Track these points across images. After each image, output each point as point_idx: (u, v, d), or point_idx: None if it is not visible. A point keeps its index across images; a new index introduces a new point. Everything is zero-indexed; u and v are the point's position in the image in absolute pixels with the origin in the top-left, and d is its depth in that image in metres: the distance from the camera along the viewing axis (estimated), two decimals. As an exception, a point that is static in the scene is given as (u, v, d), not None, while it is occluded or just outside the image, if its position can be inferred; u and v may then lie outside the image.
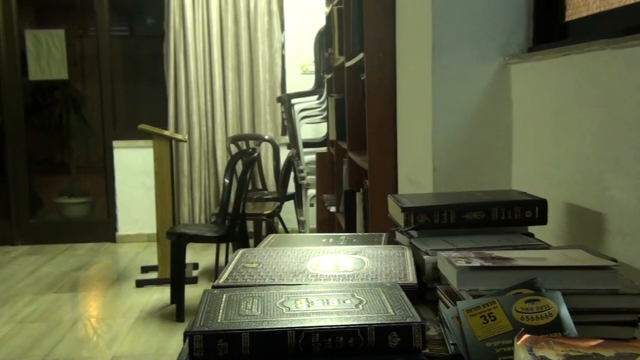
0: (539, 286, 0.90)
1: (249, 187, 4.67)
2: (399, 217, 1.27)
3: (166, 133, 4.65)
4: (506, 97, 1.70)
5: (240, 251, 1.24)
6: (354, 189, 3.20)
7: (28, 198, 6.17)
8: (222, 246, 4.79)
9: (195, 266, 4.99)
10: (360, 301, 0.90)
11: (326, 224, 4.21)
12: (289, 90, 5.76)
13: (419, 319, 0.83)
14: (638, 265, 1.12)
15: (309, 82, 5.46)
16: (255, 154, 4.19)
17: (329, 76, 4.31)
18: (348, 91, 3.23)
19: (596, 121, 1.26)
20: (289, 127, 4.82)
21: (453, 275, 0.97)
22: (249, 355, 0.81)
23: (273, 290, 0.97)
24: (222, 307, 0.89)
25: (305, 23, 5.82)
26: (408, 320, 0.83)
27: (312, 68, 5.46)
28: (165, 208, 4.47)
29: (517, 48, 1.72)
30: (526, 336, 0.75)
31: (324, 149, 4.67)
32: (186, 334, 0.83)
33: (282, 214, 5.17)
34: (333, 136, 3.81)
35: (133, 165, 5.97)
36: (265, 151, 5.80)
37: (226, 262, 4.43)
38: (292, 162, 4.90)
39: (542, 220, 1.24)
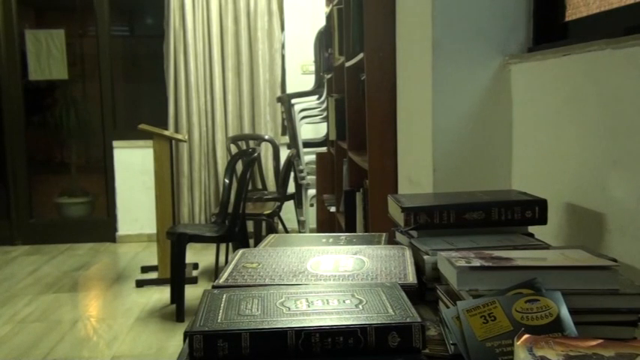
0: (539, 286, 0.90)
1: (249, 187, 4.66)
2: (399, 217, 1.27)
3: (166, 133, 4.65)
4: (506, 97, 1.70)
5: (240, 251, 1.24)
6: (354, 189, 3.20)
7: (28, 198, 6.17)
8: (222, 246, 4.79)
9: (195, 266, 4.99)
10: (360, 301, 0.90)
11: (326, 224, 4.21)
12: (289, 90, 5.76)
13: (419, 319, 0.83)
14: (638, 265, 1.12)
15: (309, 82, 5.46)
16: (255, 154, 4.19)
17: (329, 76, 4.31)
18: (348, 91, 3.23)
19: (596, 121, 1.26)
20: (289, 127, 4.82)
21: (453, 275, 0.97)
22: (249, 355, 0.81)
23: (273, 290, 0.97)
24: (222, 307, 0.89)
25: (305, 23, 5.82)
26: (408, 320, 0.83)
27: (312, 68, 5.46)
28: (165, 208, 4.47)
29: (517, 48, 1.72)
30: (526, 336, 0.75)
31: (324, 149, 4.67)
32: (186, 334, 0.83)
33: (282, 214, 5.17)
34: (333, 136, 3.81)
35: (133, 165, 5.97)
36: (265, 151, 5.80)
37: (226, 262, 4.43)
38: (292, 162, 4.90)
39: (542, 220, 1.24)
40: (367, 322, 0.82)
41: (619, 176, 1.18)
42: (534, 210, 1.23)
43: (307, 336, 0.81)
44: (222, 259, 4.81)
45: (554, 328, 0.83)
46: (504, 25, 1.72)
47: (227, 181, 4.32)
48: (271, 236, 1.44)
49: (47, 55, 6.10)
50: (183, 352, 0.86)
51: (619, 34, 1.21)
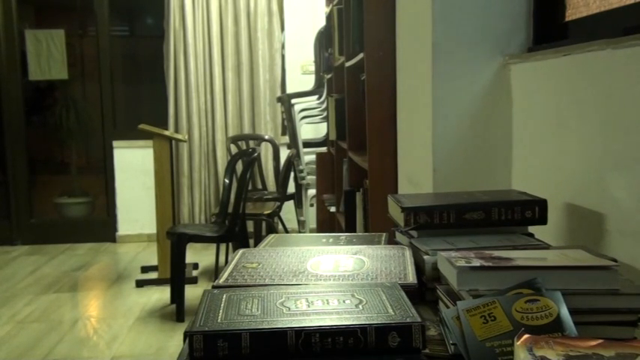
0: (539, 286, 0.90)
1: (249, 187, 4.66)
2: (399, 217, 1.27)
3: (166, 133, 4.65)
4: (506, 97, 1.70)
5: (240, 251, 1.24)
6: (354, 189, 3.19)
7: (28, 198, 6.17)
8: (222, 246, 4.79)
9: (195, 266, 4.99)
10: (360, 301, 0.90)
11: (326, 224, 4.21)
12: (289, 90, 5.76)
13: (419, 319, 0.83)
14: (638, 265, 1.12)
15: (309, 82, 5.46)
16: (255, 154, 4.19)
17: (329, 76, 4.31)
18: (348, 91, 3.23)
19: (596, 121, 1.26)
20: (289, 127, 4.82)
21: (453, 275, 0.97)
22: (249, 355, 0.81)
23: (273, 290, 0.97)
24: (222, 307, 0.89)
25: (305, 23, 5.82)
26: (408, 320, 0.83)
27: (312, 68, 5.45)
28: (165, 208, 4.47)
29: (517, 48, 1.72)
30: (526, 336, 0.75)
31: (324, 149, 4.66)
32: (186, 334, 0.83)
33: (282, 214, 5.17)
34: (333, 136, 3.81)
35: (133, 165, 5.97)
36: (265, 151, 5.80)
37: (226, 262, 4.43)
38: (292, 162, 4.90)
39: (542, 220, 1.24)
40: (367, 322, 0.82)
41: (619, 176, 1.18)
42: (534, 210, 1.23)
43: (307, 336, 0.81)
44: (222, 259, 4.80)
45: (554, 328, 0.83)
46: (504, 25, 1.72)
47: (227, 181, 4.32)
48: (271, 236, 1.44)
49: (47, 55, 6.10)
50: (183, 352, 0.86)
51: (619, 34, 1.21)
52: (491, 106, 1.73)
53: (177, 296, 3.90)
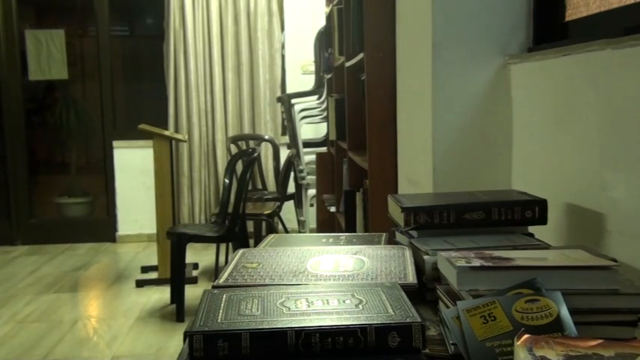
0: (539, 286, 0.90)
1: (249, 187, 4.66)
2: (399, 217, 1.27)
3: (166, 133, 4.65)
4: (506, 97, 1.70)
5: (240, 251, 1.24)
6: (354, 189, 3.20)
7: (28, 198, 6.17)
8: (222, 246, 4.79)
9: (195, 266, 4.99)
10: (360, 301, 0.90)
11: (326, 224, 4.21)
12: (289, 90, 5.76)
13: (419, 319, 0.83)
14: (638, 265, 1.12)
15: (309, 82, 5.46)
16: (255, 154, 4.19)
17: (329, 76, 4.31)
18: (348, 91, 3.23)
19: (596, 121, 1.26)
20: (289, 127, 4.82)
21: (453, 275, 0.97)
22: (249, 355, 0.81)
23: (273, 290, 0.97)
24: (222, 307, 0.89)
25: (305, 23, 5.82)
26: (408, 320, 0.83)
27: (312, 68, 5.45)
28: (165, 208, 4.47)
29: (517, 48, 1.72)
30: (526, 336, 0.75)
31: (324, 149, 4.66)
32: (186, 334, 0.83)
33: (282, 214, 5.17)
34: (333, 136, 3.81)
35: (133, 165, 5.97)
36: (265, 151, 5.80)
37: (226, 262, 4.43)
38: (292, 162, 4.90)
39: (542, 220, 1.24)
40: (367, 322, 0.82)
41: (619, 176, 1.18)
42: (534, 210, 1.23)
43: (307, 336, 0.81)
44: (222, 259, 4.80)
45: (554, 328, 0.83)
46: (504, 25, 1.72)
47: (227, 181, 4.32)
48: (271, 236, 1.44)
49: (47, 55, 6.10)
50: (183, 352, 0.86)
51: (619, 34, 1.21)
52: (492, 106, 1.73)
53: (177, 296, 3.90)
